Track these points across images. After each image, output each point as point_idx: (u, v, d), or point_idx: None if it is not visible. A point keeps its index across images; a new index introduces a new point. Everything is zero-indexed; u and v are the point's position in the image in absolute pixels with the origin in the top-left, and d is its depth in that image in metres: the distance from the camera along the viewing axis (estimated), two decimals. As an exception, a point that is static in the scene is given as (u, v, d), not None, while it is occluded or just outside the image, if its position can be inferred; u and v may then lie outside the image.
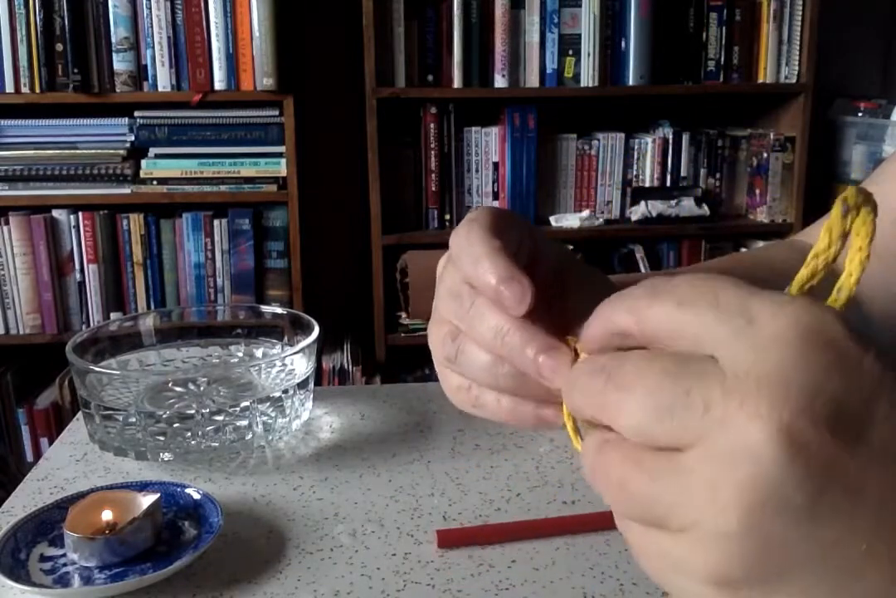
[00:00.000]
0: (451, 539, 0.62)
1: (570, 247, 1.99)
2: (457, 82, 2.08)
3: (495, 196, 2.18)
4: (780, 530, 0.25)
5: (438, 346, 0.39)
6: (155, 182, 2.03)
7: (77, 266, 2.08)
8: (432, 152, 2.13)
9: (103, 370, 0.77)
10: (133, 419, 0.74)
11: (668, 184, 2.23)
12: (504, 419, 0.39)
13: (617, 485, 0.28)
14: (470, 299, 0.37)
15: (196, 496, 0.65)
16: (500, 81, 2.09)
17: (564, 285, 0.40)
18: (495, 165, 2.17)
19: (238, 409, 0.75)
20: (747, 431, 0.25)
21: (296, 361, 0.79)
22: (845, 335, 0.26)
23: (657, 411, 0.26)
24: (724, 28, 2.15)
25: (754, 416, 0.25)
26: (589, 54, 2.10)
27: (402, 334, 2.15)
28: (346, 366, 2.14)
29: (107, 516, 0.60)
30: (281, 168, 2.05)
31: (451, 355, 0.39)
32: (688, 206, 2.19)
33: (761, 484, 0.25)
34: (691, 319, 0.27)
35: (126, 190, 2.03)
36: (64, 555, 0.59)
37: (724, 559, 0.25)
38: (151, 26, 1.97)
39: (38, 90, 1.96)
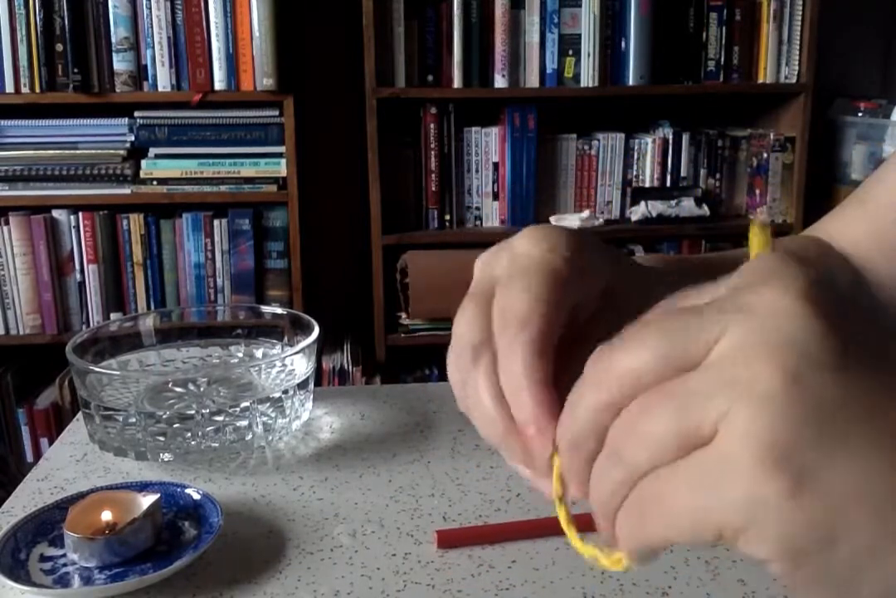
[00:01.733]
0: (450, 539, 0.62)
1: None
2: (457, 82, 2.08)
3: (495, 196, 2.18)
4: (819, 383, 0.25)
5: (455, 393, 0.38)
6: (155, 182, 2.03)
7: (77, 266, 2.08)
8: (432, 152, 2.13)
9: (103, 371, 0.77)
10: (133, 420, 0.74)
11: (668, 184, 2.23)
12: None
13: (650, 435, 0.27)
14: (471, 366, 0.35)
15: (196, 497, 0.65)
16: (500, 81, 2.09)
17: (613, 304, 0.39)
18: (495, 165, 2.17)
19: (238, 409, 0.75)
20: (769, 300, 0.26)
21: (296, 361, 0.79)
22: (823, 295, 0.26)
23: (672, 335, 0.27)
24: (724, 28, 2.15)
25: (772, 290, 0.26)
26: (589, 54, 2.10)
27: (402, 335, 2.15)
28: (346, 366, 2.14)
29: (107, 516, 0.60)
30: (281, 168, 2.05)
31: (464, 410, 0.38)
32: (688, 206, 2.19)
33: (792, 341, 0.25)
34: (683, 327, 0.27)
35: (126, 190, 2.03)
36: (64, 555, 0.59)
37: (774, 421, 0.24)
38: (151, 26, 1.96)
39: (38, 90, 1.96)
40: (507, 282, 0.36)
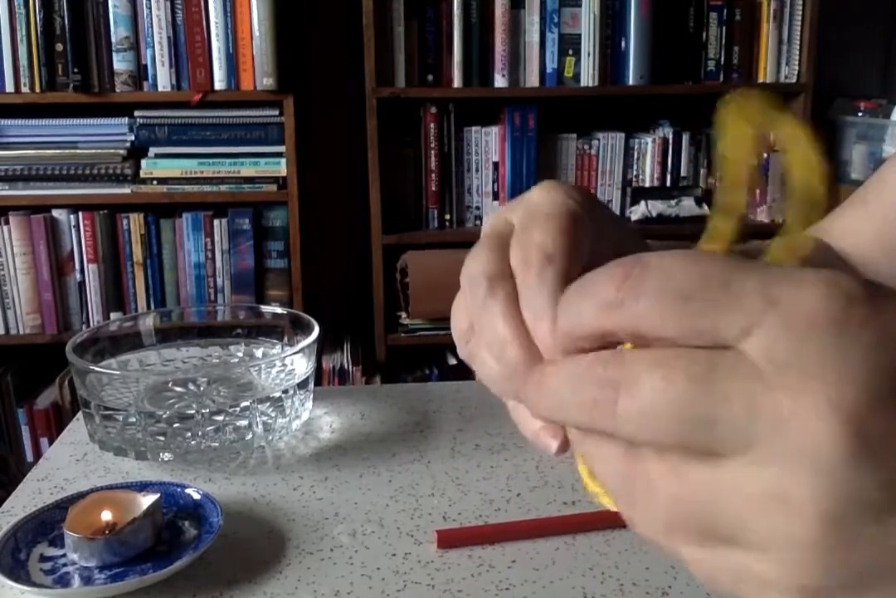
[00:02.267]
0: (450, 539, 0.62)
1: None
2: (457, 82, 2.08)
3: (495, 196, 2.18)
4: (863, 529, 0.23)
5: (457, 341, 0.37)
6: (155, 182, 2.03)
7: (77, 266, 2.08)
8: (432, 152, 2.13)
9: (103, 370, 0.77)
10: (133, 419, 0.74)
11: (668, 184, 2.23)
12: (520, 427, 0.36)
13: (667, 500, 0.24)
14: (485, 297, 0.33)
15: (196, 496, 0.65)
16: (500, 81, 2.09)
17: None
18: (495, 164, 2.17)
19: (238, 409, 0.75)
20: (807, 429, 0.22)
21: (296, 361, 0.79)
22: (879, 304, 0.23)
23: (691, 422, 0.23)
24: (724, 28, 2.15)
25: (811, 411, 0.22)
26: (589, 54, 2.10)
27: (402, 334, 2.15)
28: (346, 366, 2.14)
29: (107, 516, 0.60)
30: (281, 168, 2.05)
31: (466, 357, 0.36)
32: (688, 206, 2.19)
33: (835, 484, 0.22)
34: (704, 312, 0.24)
35: (126, 190, 2.03)
36: (64, 555, 0.59)
37: (811, 569, 0.23)
38: (151, 26, 1.96)
39: (38, 90, 1.96)
40: (526, 224, 0.35)
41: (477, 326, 0.34)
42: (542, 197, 0.36)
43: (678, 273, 0.24)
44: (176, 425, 0.73)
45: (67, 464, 0.75)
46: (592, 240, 0.35)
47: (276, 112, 2.03)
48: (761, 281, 0.23)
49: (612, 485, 0.26)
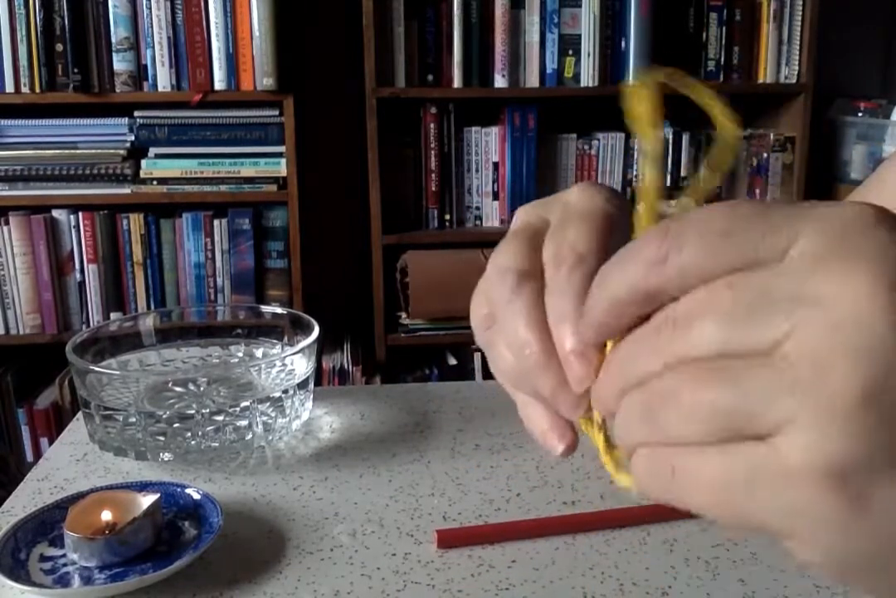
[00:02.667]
0: (450, 539, 0.62)
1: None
2: (457, 82, 2.08)
3: (495, 196, 2.18)
4: None
5: (475, 326, 0.37)
6: (155, 182, 2.03)
7: (77, 266, 2.08)
8: (432, 152, 2.13)
9: (103, 370, 0.76)
10: (133, 419, 0.74)
11: (668, 184, 2.23)
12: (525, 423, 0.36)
13: (693, 402, 0.24)
14: (511, 292, 0.33)
15: (196, 496, 0.65)
16: (500, 81, 2.09)
17: None
18: (495, 165, 2.17)
19: (238, 409, 0.75)
20: (851, 300, 0.22)
21: (296, 361, 0.79)
22: None
23: (740, 313, 0.24)
24: (724, 28, 2.15)
25: (856, 285, 0.22)
26: (589, 54, 2.10)
27: (402, 334, 2.15)
28: (346, 366, 2.14)
29: (107, 516, 0.60)
30: (281, 168, 2.05)
31: (483, 344, 0.36)
32: (688, 206, 2.19)
33: (878, 350, 0.22)
34: (746, 240, 0.24)
35: (126, 190, 2.03)
36: (64, 555, 0.59)
37: (846, 441, 0.22)
38: (151, 26, 1.97)
39: (38, 90, 1.96)
40: (562, 223, 0.35)
41: (499, 317, 0.34)
42: (581, 197, 0.36)
43: (714, 216, 0.25)
44: (176, 425, 0.73)
45: (67, 464, 0.75)
46: (623, 244, 0.35)
47: (276, 112, 2.03)
48: (794, 208, 0.25)
49: (642, 408, 0.26)
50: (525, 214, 0.38)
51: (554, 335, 0.32)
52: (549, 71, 2.10)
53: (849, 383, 0.22)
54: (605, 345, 0.30)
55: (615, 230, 0.34)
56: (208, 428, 0.73)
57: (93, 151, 2.02)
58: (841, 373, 0.22)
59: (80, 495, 0.63)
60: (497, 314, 0.34)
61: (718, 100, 0.30)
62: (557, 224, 0.35)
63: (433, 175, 2.14)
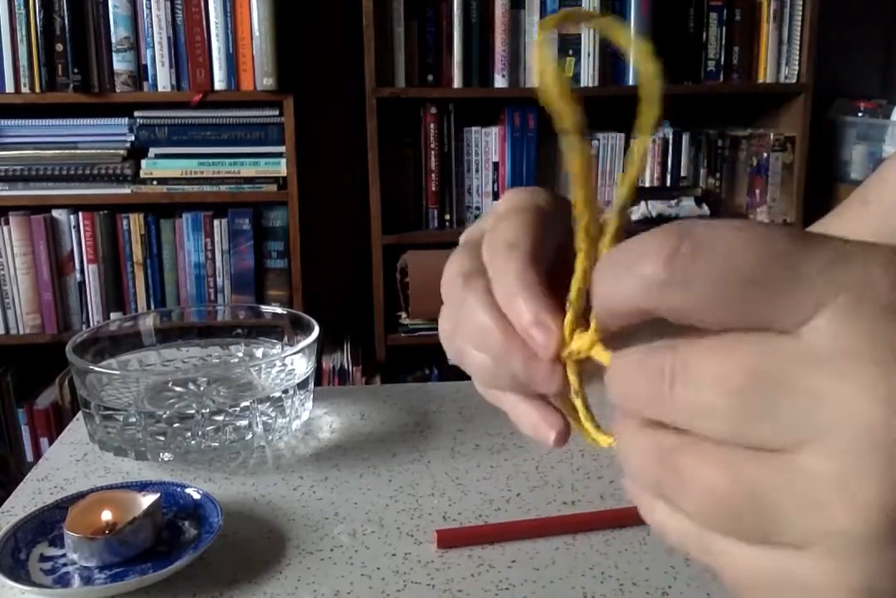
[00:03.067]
0: (450, 539, 0.62)
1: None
2: (457, 82, 2.08)
3: (495, 196, 2.18)
4: None
5: (444, 342, 0.38)
6: (155, 182, 2.03)
7: (77, 266, 2.08)
8: (432, 152, 2.13)
9: (103, 370, 0.77)
10: (133, 419, 0.74)
11: (668, 184, 2.23)
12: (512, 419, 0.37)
13: (705, 495, 0.23)
14: (462, 292, 0.34)
15: (196, 496, 0.65)
16: (500, 81, 2.09)
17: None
18: (495, 165, 2.17)
19: (238, 409, 0.75)
20: (875, 416, 0.21)
21: (296, 361, 0.79)
22: None
23: (752, 410, 0.22)
24: (724, 28, 2.15)
25: (880, 399, 0.21)
26: (589, 54, 2.10)
27: (402, 334, 2.15)
28: (346, 366, 2.14)
29: (107, 516, 0.60)
30: (281, 168, 2.05)
31: (454, 357, 0.37)
32: (688, 206, 2.19)
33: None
34: (765, 298, 0.22)
35: (126, 190, 2.03)
36: (64, 555, 0.59)
37: (865, 566, 0.22)
38: (151, 26, 1.97)
39: (38, 90, 1.96)
40: (494, 225, 0.36)
41: (460, 320, 0.35)
42: (507, 199, 0.37)
43: (738, 253, 0.22)
44: (176, 425, 0.73)
45: (67, 464, 0.75)
46: (561, 234, 0.35)
47: (276, 112, 2.03)
48: (826, 260, 0.22)
49: (644, 476, 0.25)
50: (465, 233, 0.39)
51: (507, 314, 0.33)
52: (549, 71, 2.10)
53: (872, 513, 0.21)
54: (563, 307, 0.31)
55: (545, 220, 0.35)
56: (208, 428, 0.73)
57: (93, 151, 2.02)
58: (863, 500, 0.21)
59: (80, 495, 0.63)
60: (458, 320, 0.35)
61: (638, 39, 0.27)
62: (490, 228, 0.36)
63: (433, 175, 2.14)
